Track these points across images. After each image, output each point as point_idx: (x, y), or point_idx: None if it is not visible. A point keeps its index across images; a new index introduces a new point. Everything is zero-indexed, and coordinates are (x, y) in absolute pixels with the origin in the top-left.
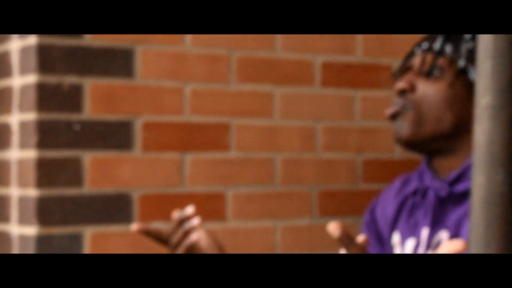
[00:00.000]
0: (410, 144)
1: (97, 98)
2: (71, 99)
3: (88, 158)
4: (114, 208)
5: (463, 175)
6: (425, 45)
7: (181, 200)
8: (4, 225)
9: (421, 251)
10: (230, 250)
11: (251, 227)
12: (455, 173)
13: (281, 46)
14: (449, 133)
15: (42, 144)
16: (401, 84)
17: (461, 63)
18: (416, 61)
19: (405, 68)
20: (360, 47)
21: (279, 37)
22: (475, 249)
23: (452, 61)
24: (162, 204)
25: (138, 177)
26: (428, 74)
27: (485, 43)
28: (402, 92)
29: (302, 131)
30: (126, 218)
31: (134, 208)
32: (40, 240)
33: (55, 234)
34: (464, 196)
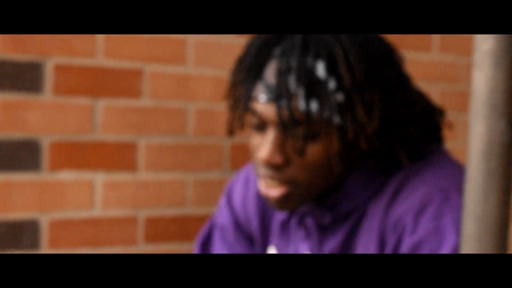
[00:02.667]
0: (294, 209)
1: (5, 36)
2: None
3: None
4: (22, 155)
5: (340, 199)
6: (275, 93)
7: (92, 149)
8: None
9: None
10: (140, 202)
11: (162, 179)
12: (333, 199)
13: None
14: (328, 186)
15: None
16: (277, 159)
17: (336, 119)
18: (272, 115)
19: (242, 119)
20: None
21: None
22: (473, 201)
23: (323, 119)
24: (73, 152)
25: (47, 123)
26: (303, 137)
27: None
28: (277, 164)
29: (216, 81)
30: (34, 166)
31: (43, 156)
32: None
33: None
34: (344, 218)
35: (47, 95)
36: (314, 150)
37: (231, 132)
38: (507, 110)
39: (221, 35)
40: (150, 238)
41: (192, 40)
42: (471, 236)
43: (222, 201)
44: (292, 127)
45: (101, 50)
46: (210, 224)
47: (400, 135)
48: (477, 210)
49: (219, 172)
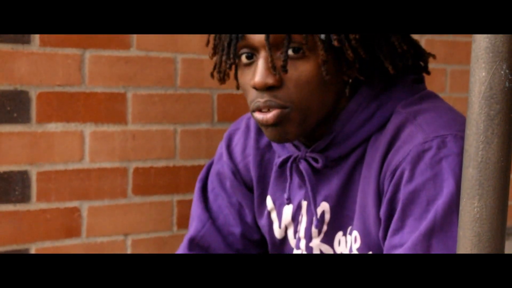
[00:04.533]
0: (293, 141)
1: None
2: None
3: None
4: (10, 106)
5: (331, 142)
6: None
7: (81, 100)
8: None
9: (303, 219)
10: (129, 154)
11: (151, 130)
12: (324, 141)
13: None
14: (330, 112)
15: None
16: (270, 80)
17: (322, 35)
18: (259, 38)
19: (235, 51)
20: None
21: None
22: (474, 147)
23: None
24: (61, 104)
25: (36, 74)
26: (293, 57)
27: None
28: (269, 88)
29: None
30: (23, 117)
31: (31, 107)
32: None
33: None
34: (340, 161)
35: (35, 46)
36: (305, 68)
37: (221, 74)
38: (509, 55)
39: None
40: (139, 189)
41: None
42: (472, 181)
43: (222, 148)
44: (278, 46)
45: None
46: (206, 169)
47: (384, 44)
48: (478, 155)
49: (208, 123)
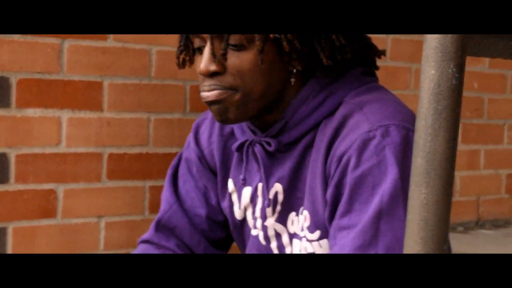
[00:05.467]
0: (239, 122)
1: None
2: None
3: None
4: None
5: (284, 128)
6: None
7: (59, 87)
8: None
9: (259, 200)
10: (105, 140)
11: (126, 118)
12: (276, 127)
13: None
14: (273, 99)
15: None
16: (212, 67)
17: None
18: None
19: (191, 42)
20: None
21: None
22: (423, 139)
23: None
24: (40, 90)
25: (16, 61)
26: (233, 47)
27: None
28: (213, 74)
29: None
30: (3, 102)
31: (11, 93)
32: None
33: None
34: (291, 146)
35: (17, 35)
36: (244, 58)
37: (179, 62)
38: (456, 55)
39: None
40: (113, 174)
41: None
42: (420, 170)
43: (190, 137)
44: (220, 38)
45: None
46: (178, 157)
47: (321, 37)
48: (426, 146)
49: (180, 113)
